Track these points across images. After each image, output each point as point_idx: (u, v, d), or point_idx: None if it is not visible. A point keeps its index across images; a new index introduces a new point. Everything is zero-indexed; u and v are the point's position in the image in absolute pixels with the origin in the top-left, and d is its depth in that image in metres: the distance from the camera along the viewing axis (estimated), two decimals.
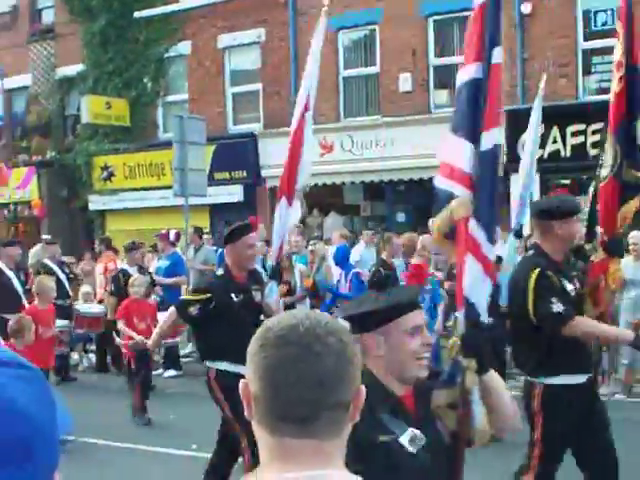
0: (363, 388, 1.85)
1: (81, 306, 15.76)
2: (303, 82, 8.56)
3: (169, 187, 19.43)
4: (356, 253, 15.98)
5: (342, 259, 14.67)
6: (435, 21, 19.65)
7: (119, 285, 14.23)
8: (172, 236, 16.95)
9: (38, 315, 10.64)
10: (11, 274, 13.66)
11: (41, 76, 26.10)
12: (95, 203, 24.19)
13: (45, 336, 10.62)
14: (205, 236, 18.53)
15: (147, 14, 23.08)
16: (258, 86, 22.03)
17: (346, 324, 1.93)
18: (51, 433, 1.19)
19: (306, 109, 8.26)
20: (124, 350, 12.02)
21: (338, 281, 14.42)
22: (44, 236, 19.38)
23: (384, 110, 20.03)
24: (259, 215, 21.27)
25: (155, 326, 11.55)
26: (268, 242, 17.14)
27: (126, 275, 14.15)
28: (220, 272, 7.76)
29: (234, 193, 21.45)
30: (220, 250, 17.76)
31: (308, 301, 14.02)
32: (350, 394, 1.81)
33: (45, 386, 1.23)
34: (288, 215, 8.08)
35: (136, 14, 23.21)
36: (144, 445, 10.19)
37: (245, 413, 1.84)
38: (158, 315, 11.86)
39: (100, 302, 16.21)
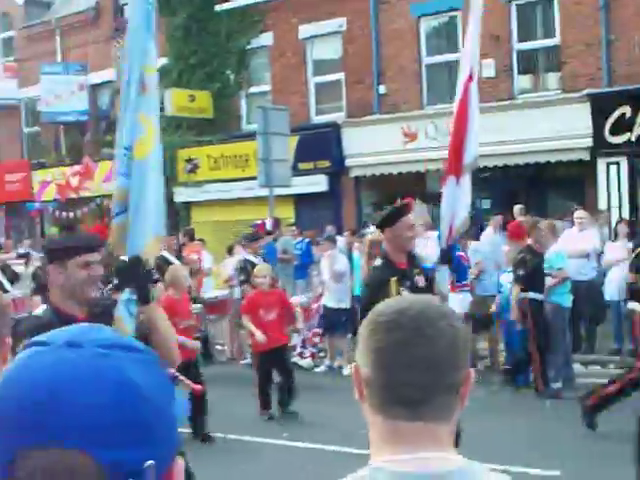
0: (472, 372, 1.85)
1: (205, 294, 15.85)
2: (464, 52, 8.23)
3: (253, 178, 19.59)
4: (486, 238, 15.83)
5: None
6: (518, 5, 19.43)
7: (249, 274, 13.97)
8: (269, 225, 16.94)
9: (175, 306, 9.93)
10: None
11: None
12: (180, 195, 24.42)
13: (183, 326, 10.06)
14: (291, 227, 18.63)
15: (228, 6, 23.26)
16: (340, 75, 22.02)
17: (453, 309, 1.94)
18: (170, 417, 1.22)
19: (470, 80, 7.95)
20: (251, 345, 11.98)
21: None
22: None
23: None
24: (344, 204, 21.39)
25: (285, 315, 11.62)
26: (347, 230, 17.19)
27: (252, 265, 14.00)
28: (378, 262, 7.23)
29: (318, 183, 21.48)
30: (307, 240, 17.87)
31: None
32: (461, 378, 1.81)
33: (162, 371, 1.26)
34: (457, 194, 7.70)
35: (217, 7, 23.41)
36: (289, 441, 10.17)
37: (356, 397, 1.85)
38: None
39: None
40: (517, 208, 17.35)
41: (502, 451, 9.04)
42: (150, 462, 1.15)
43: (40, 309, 4.93)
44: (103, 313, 4.46)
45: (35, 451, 1.14)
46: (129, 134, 4.69)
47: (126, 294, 4.44)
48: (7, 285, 14.52)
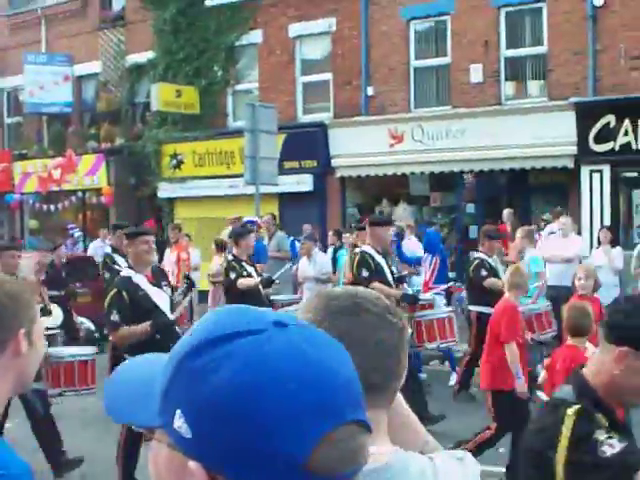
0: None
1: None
2: None
3: (239, 175, 19.58)
4: None
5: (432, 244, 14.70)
6: (507, 12, 19.57)
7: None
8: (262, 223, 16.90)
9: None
10: None
11: (111, 63, 26.29)
12: (164, 191, 24.37)
13: None
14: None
15: (218, 2, 23.22)
16: (328, 76, 22.01)
17: None
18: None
19: None
20: None
21: None
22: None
23: (455, 101, 20.01)
24: (329, 205, 21.45)
25: None
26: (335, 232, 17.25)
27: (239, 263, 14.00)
28: None
29: (304, 182, 21.48)
30: (292, 239, 17.88)
31: None
32: (405, 367, 1.84)
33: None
34: None
35: (207, 2, 23.36)
36: None
37: None
38: None
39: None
40: (506, 212, 17.57)
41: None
42: None
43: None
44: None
45: (333, 433, 1.18)
46: None
47: None
48: None
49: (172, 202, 24.48)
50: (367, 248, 10.51)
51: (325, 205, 21.54)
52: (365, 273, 10.32)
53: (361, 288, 1.92)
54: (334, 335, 1.69)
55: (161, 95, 23.20)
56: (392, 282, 10.52)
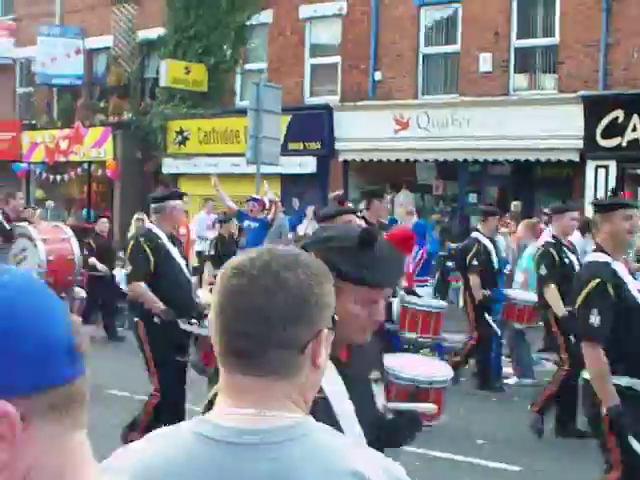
0: (325, 332, 1.77)
1: None
2: None
3: (243, 154, 19.50)
4: None
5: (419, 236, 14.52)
6: (519, 1, 19.37)
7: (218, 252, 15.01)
8: (267, 202, 16.80)
9: None
10: None
11: (122, 38, 26.29)
12: (168, 166, 24.38)
13: None
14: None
15: None
16: (337, 59, 21.93)
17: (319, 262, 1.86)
18: None
19: None
20: None
21: None
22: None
23: (462, 89, 19.85)
24: (331, 188, 21.34)
25: None
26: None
27: (222, 243, 15.10)
28: None
29: (307, 164, 21.44)
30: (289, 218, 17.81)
31: None
32: (305, 336, 1.73)
33: None
34: None
35: None
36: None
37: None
38: None
39: None
40: (514, 204, 17.45)
41: (464, 443, 9.09)
42: None
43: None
44: None
45: None
46: None
47: None
48: None
49: (176, 178, 24.44)
50: None
51: (327, 188, 21.42)
52: None
53: (271, 247, 1.84)
54: (215, 296, 1.75)
55: (170, 71, 23.20)
56: None
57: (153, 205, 8.37)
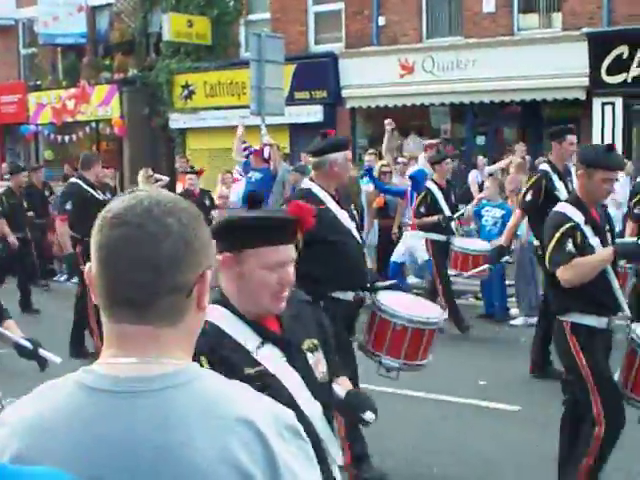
0: (208, 273, 1.77)
1: None
2: None
3: (249, 107, 19.51)
4: None
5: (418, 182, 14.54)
6: None
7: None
8: (266, 152, 16.80)
9: None
10: None
11: None
12: (176, 122, 24.37)
13: None
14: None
15: None
16: (340, 5, 21.83)
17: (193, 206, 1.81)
18: None
19: None
20: None
21: None
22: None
23: (467, 31, 19.80)
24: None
25: None
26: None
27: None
28: None
29: (314, 113, 21.42)
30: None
31: None
32: (190, 279, 1.73)
33: None
34: None
35: None
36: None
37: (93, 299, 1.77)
38: None
39: None
40: (519, 146, 17.38)
41: (464, 384, 9.16)
42: None
43: None
44: None
45: None
46: None
47: None
48: None
49: (184, 133, 24.47)
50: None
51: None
52: None
53: (145, 193, 1.76)
54: (96, 248, 1.72)
55: (172, 25, 23.09)
56: None
57: (312, 160, 6.57)
